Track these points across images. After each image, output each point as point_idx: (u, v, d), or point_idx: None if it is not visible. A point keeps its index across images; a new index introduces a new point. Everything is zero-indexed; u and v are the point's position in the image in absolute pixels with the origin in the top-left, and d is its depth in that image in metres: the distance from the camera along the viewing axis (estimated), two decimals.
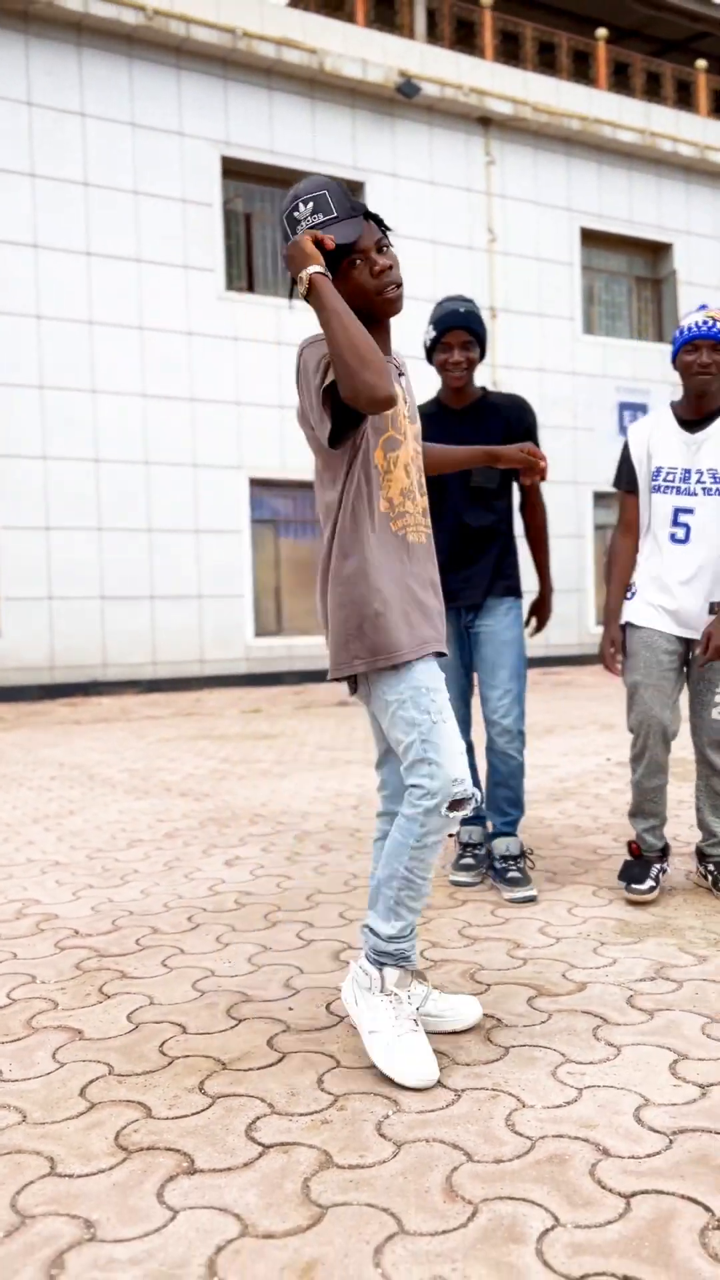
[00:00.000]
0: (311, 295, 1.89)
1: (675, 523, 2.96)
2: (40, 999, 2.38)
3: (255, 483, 13.50)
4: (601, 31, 17.05)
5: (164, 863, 3.70)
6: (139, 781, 5.63)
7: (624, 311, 17.18)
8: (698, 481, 2.94)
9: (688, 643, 3.02)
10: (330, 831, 4.16)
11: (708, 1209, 1.45)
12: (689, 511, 2.94)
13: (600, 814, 4.36)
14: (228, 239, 13.58)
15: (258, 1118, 1.78)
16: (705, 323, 2.88)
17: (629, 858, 3.09)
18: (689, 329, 2.90)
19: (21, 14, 11.89)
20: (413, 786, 1.95)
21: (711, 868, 3.05)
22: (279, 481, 13.68)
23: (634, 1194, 1.50)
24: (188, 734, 7.97)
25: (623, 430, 16.28)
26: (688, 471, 2.95)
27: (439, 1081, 1.88)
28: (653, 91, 19.23)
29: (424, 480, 2.15)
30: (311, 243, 1.91)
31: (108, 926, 2.93)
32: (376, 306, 2.00)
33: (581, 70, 19.06)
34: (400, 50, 14.28)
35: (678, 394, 12.46)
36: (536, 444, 3.29)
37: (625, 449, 3.11)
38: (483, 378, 14.79)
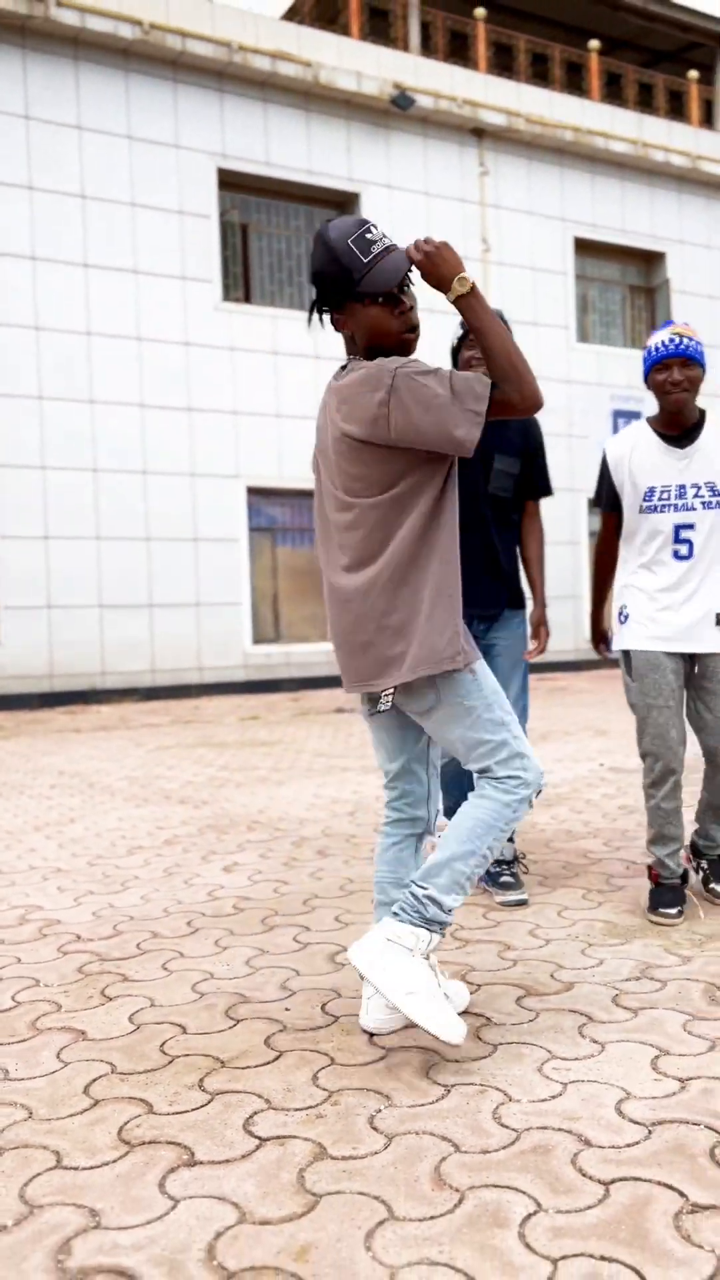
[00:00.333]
0: (473, 298, 2.02)
1: (678, 539, 2.96)
2: (44, 1002, 2.45)
3: (253, 491, 13.59)
4: (594, 43, 17.21)
5: (163, 869, 3.78)
6: (138, 789, 5.71)
7: (618, 320, 17.31)
8: (695, 496, 2.94)
9: (689, 659, 3.02)
10: (327, 838, 4.23)
11: (682, 1194, 1.53)
12: (690, 527, 2.95)
13: (592, 819, 4.44)
14: (224, 250, 13.70)
15: (255, 1113, 1.85)
16: (672, 340, 2.89)
17: (652, 886, 3.04)
18: (657, 348, 2.92)
19: (19, 29, 12.01)
20: (508, 778, 2.10)
21: (705, 864, 3.09)
22: (276, 490, 13.77)
23: (613, 1181, 1.57)
24: (186, 741, 8.04)
25: None
26: (682, 488, 2.95)
27: (430, 1077, 1.96)
28: (645, 102, 19.41)
29: None
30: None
31: (109, 931, 3.00)
32: (392, 346, 2.08)
33: (574, 81, 19.22)
34: (394, 63, 14.42)
35: None
36: (543, 457, 3.38)
37: (604, 469, 3.09)
38: None
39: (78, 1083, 2.00)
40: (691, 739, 3.25)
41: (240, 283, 13.95)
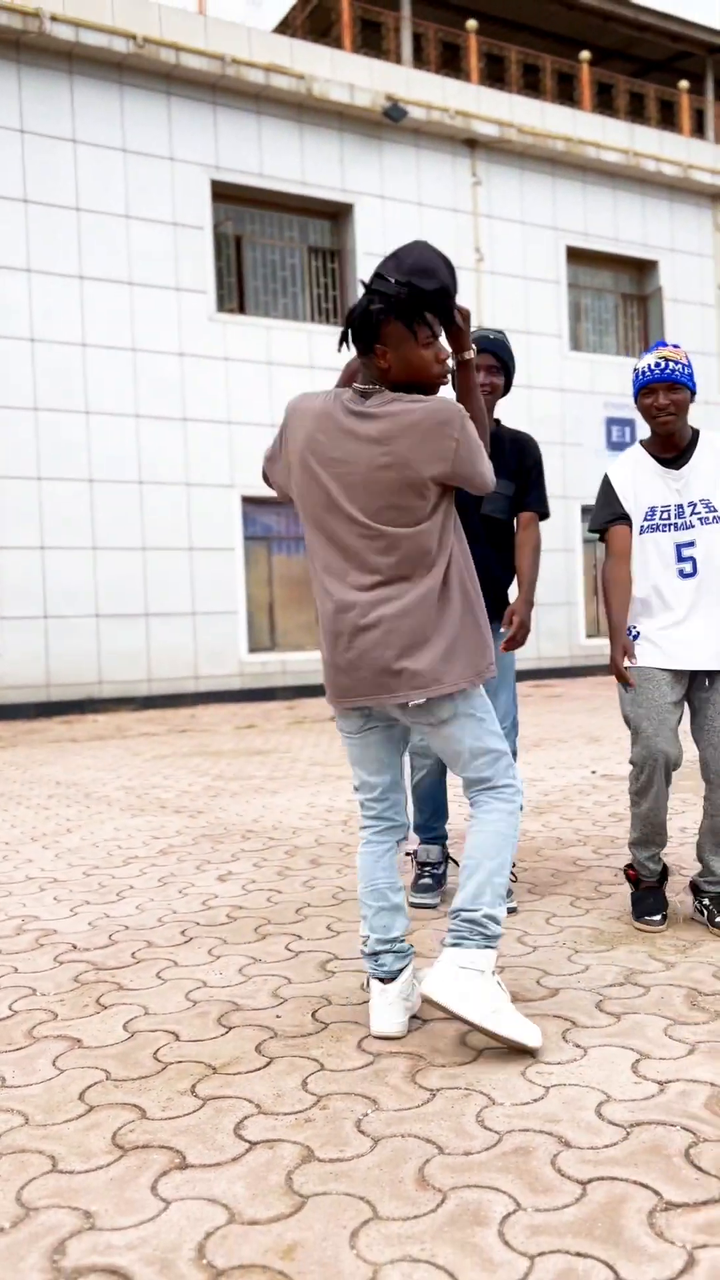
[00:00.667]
0: (465, 370, 2.24)
1: (680, 558, 2.99)
2: (41, 1010, 2.50)
3: (248, 500, 13.66)
4: (585, 54, 17.35)
5: (159, 878, 3.83)
6: (134, 799, 5.76)
7: (611, 328, 17.43)
8: (693, 513, 2.98)
9: (690, 676, 3.02)
10: (320, 847, 4.29)
11: (657, 1193, 1.58)
12: (691, 545, 2.98)
13: (582, 826, 4.49)
14: (218, 261, 13.79)
15: (245, 1117, 1.90)
16: (659, 364, 2.91)
17: (632, 889, 3.08)
18: (644, 372, 2.94)
19: (14, 43, 12.11)
20: (505, 786, 2.27)
21: (708, 902, 3.03)
22: (271, 499, 13.84)
23: (590, 1181, 1.63)
24: (182, 751, 8.09)
25: (611, 445, 16.49)
26: (680, 506, 2.99)
27: (416, 1082, 2.01)
28: (636, 112, 19.55)
29: None
30: None
31: (104, 941, 3.05)
32: (425, 384, 2.21)
33: (566, 92, 19.36)
34: (387, 74, 14.54)
35: None
36: (540, 478, 3.41)
37: (608, 485, 3.09)
38: None
39: (73, 1089, 2.05)
40: (690, 753, 3.22)
41: (234, 293, 14.04)
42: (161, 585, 12.95)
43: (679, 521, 2.99)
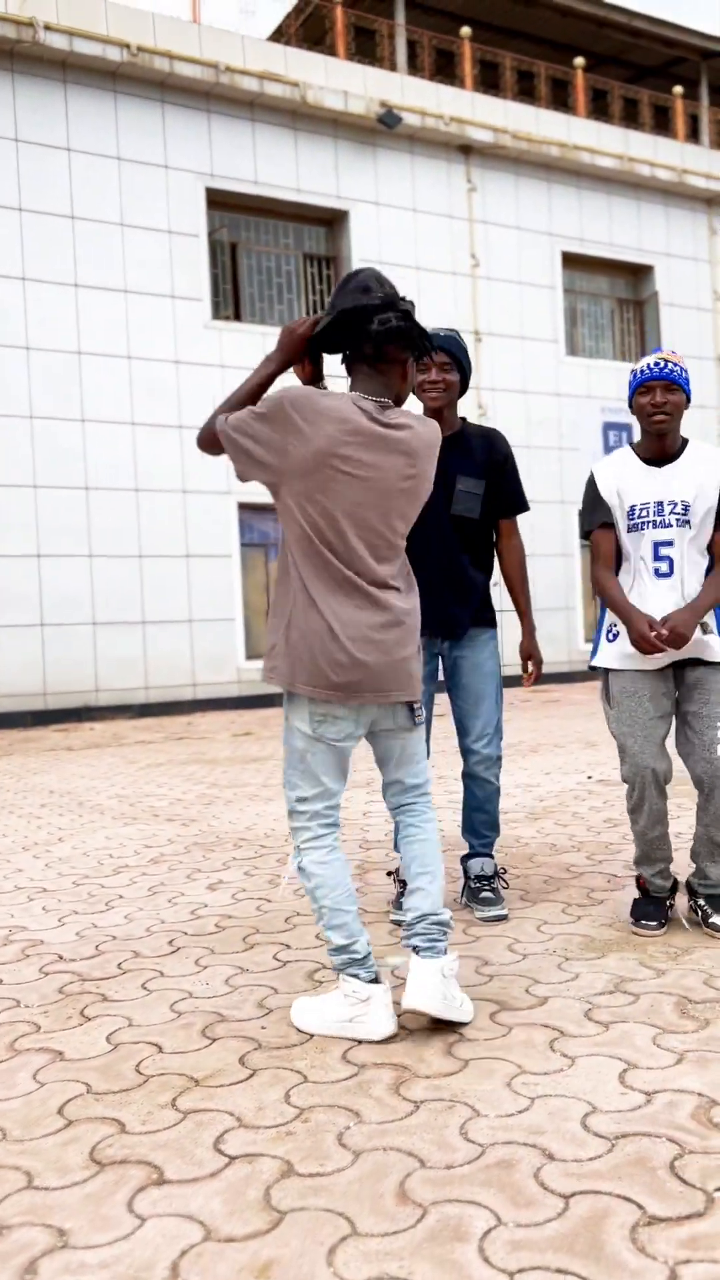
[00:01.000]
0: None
1: (657, 557, 2.97)
2: (24, 1022, 2.47)
3: (244, 507, 13.65)
4: (579, 60, 17.38)
5: (149, 888, 3.80)
6: (128, 807, 5.73)
7: (607, 333, 17.43)
8: (672, 513, 2.96)
9: (675, 675, 3.01)
10: None
11: (640, 1207, 1.55)
12: (669, 544, 2.96)
13: (576, 832, 4.46)
14: (213, 268, 13.79)
15: (226, 1131, 1.87)
16: (657, 364, 2.90)
17: (639, 895, 3.07)
18: (642, 371, 2.93)
19: (8, 53, 12.13)
20: (429, 793, 2.53)
21: (702, 902, 3.02)
22: (268, 506, 13.81)
23: (573, 1194, 1.60)
24: (178, 758, 8.06)
25: (608, 450, 16.48)
26: (660, 505, 2.97)
27: (400, 1094, 1.98)
28: (630, 117, 19.58)
29: None
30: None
31: (91, 951, 3.03)
32: (404, 400, 2.43)
33: (560, 98, 19.39)
34: (381, 81, 14.56)
35: None
36: (513, 472, 3.38)
37: (593, 487, 3.07)
38: (469, 399, 14.97)
39: (52, 1103, 2.02)
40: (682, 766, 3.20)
41: (230, 301, 14.04)
42: (158, 592, 12.93)
43: (658, 519, 2.96)
